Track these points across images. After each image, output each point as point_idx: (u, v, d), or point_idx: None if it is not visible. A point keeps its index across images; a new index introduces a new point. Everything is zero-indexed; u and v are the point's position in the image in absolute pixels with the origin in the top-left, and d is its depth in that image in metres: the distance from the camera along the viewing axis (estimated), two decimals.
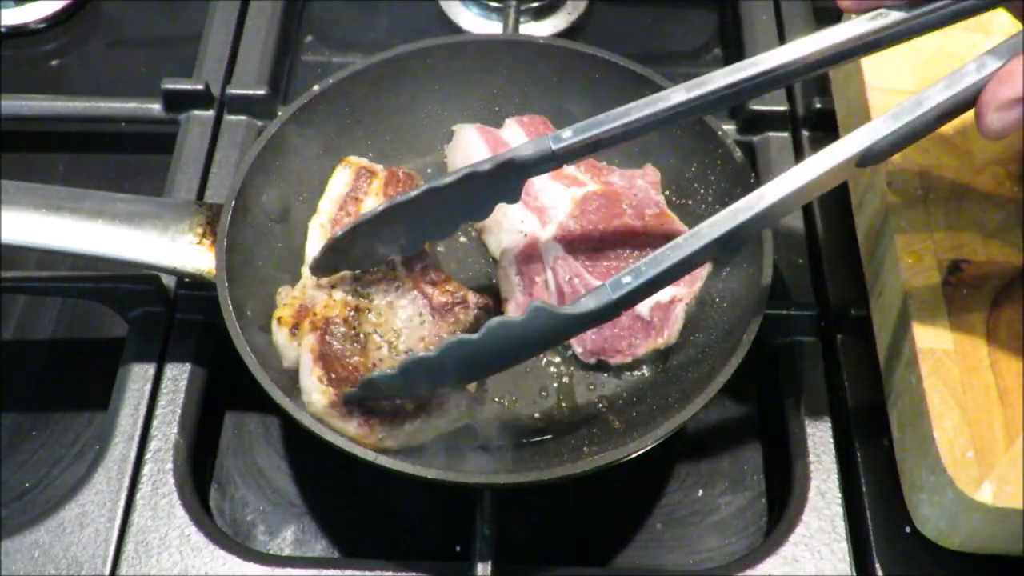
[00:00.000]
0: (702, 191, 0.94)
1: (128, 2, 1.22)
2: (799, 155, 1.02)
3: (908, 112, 0.69)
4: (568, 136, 0.77)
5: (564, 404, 0.86)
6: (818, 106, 1.03)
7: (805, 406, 0.86)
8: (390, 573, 0.77)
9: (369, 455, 0.73)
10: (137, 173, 1.06)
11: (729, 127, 1.04)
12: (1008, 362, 0.75)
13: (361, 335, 0.80)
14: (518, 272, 0.90)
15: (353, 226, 0.80)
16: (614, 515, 0.86)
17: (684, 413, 0.75)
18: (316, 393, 0.77)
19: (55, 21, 1.18)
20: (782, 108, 1.04)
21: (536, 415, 0.86)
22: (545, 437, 0.84)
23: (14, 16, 1.17)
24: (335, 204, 0.89)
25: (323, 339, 0.79)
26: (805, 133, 1.04)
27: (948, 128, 0.88)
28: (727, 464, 0.89)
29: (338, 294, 0.83)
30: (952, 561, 0.76)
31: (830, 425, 0.85)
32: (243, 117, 1.04)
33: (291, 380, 0.80)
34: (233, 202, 0.84)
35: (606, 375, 0.88)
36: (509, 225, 0.92)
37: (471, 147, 0.95)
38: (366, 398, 0.76)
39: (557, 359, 0.89)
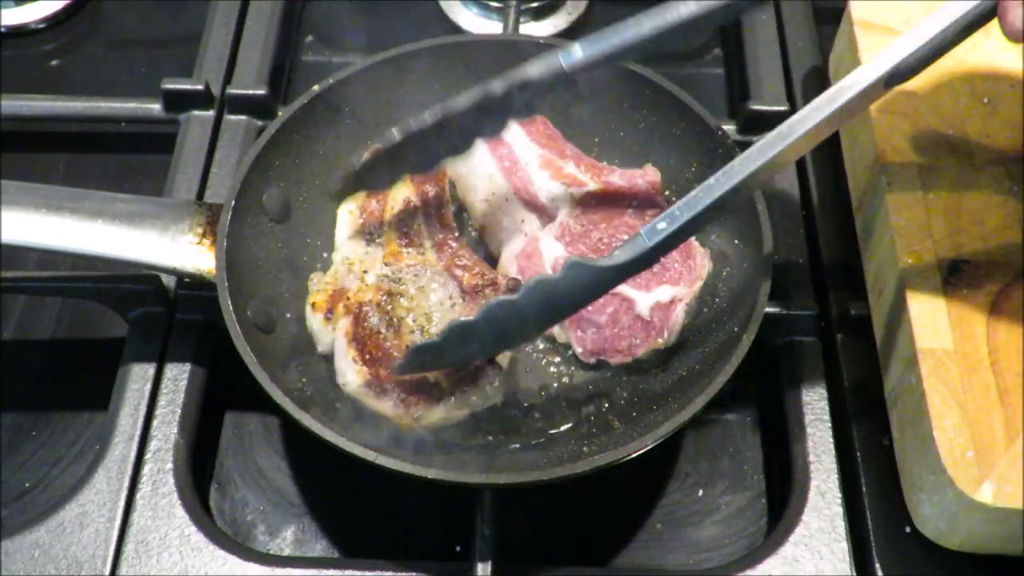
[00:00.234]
0: None
1: (128, 2, 1.22)
2: None
3: (936, 25, 0.68)
4: (577, 52, 0.76)
5: (564, 404, 0.86)
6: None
7: (805, 406, 0.86)
8: (390, 573, 0.77)
9: (369, 455, 0.73)
10: (137, 173, 1.06)
11: (729, 127, 1.04)
12: (1008, 362, 0.75)
13: (394, 319, 0.81)
14: (519, 271, 0.90)
15: (372, 154, 0.81)
16: (614, 515, 0.86)
17: (684, 413, 0.75)
18: (351, 373, 0.78)
19: (55, 21, 1.18)
20: (782, 108, 1.04)
21: (536, 415, 0.86)
22: (545, 437, 0.84)
23: (14, 16, 1.17)
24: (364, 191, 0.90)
25: (357, 322, 0.80)
26: None
27: (948, 128, 0.88)
28: (727, 464, 0.89)
29: (370, 279, 0.83)
30: (952, 561, 0.77)
31: (830, 425, 0.85)
32: (243, 117, 1.04)
33: (291, 379, 0.81)
34: (233, 202, 0.84)
35: (606, 375, 0.88)
36: (510, 224, 0.92)
37: (471, 147, 0.95)
38: (412, 368, 0.76)
39: (557, 359, 0.89)
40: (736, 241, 0.89)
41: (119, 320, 0.91)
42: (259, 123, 1.04)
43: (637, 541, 0.85)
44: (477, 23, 1.18)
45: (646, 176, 0.94)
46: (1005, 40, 0.67)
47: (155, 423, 0.84)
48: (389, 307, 0.81)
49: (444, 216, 0.89)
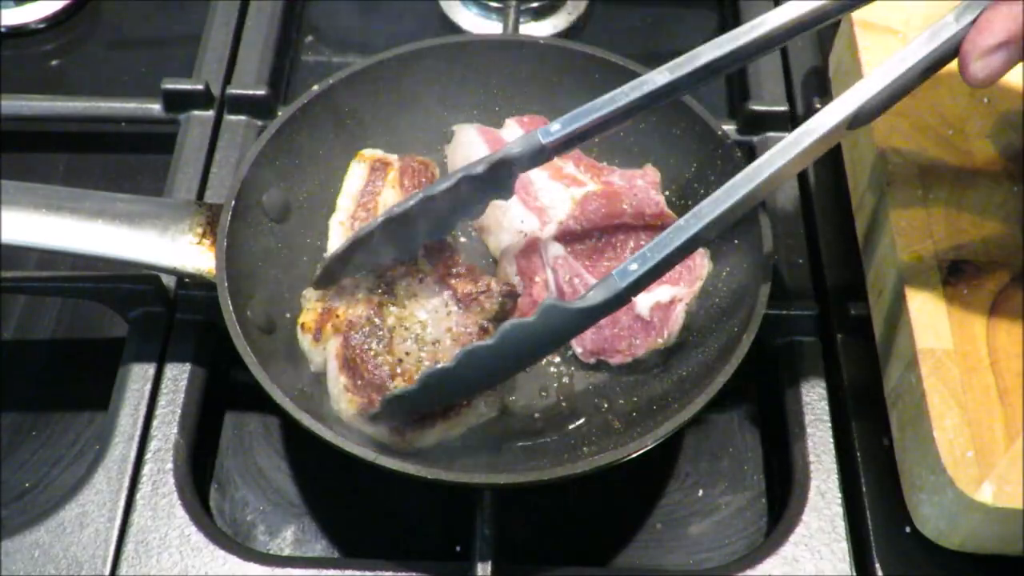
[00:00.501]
0: (702, 191, 0.94)
1: (128, 2, 1.22)
2: None
3: (895, 69, 0.71)
4: (557, 129, 0.78)
5: (564, 404, 0.86)
6: (818, 106, 1.03)
7: (805, 406, 0.86)
8: (390, 573, 0.77)
9: (369, 455, 0.73)
10: (137, 173, 1.06)
11: (729, 127, 1.04)
12: (1008, 362, 0.75)
13: (385, 330, 0.80)
14: (518, 272, 0.90)
15: (351, 241, 0.81)
16: (614, 515, 0.86)
17: (684, 413, 0.75)
18: (344, 402, 0.78)
19: (55, 21, 1.18)
20: (782, 108, 1.04)
21: (536, 415, 0.86)
22: (545, 437, 0.84)
23: (14, 16, 1.17)
24: (353, 200, 0.89)
25: (346, 343, 0.79)
26: None
27: (948, 128, 0.88)
28: (727, 464, 0.89)
29: (361, 293, 0.83)
30: (952, 561, 0.76)
31: (830, 425, 0.85)
32: (243, 117, 1.04)
33: (291, 379, 0.81)
34: (233, 202, 0.84)
35: (606, 375, 0.88)
36: (509, 225, 0.92)
37: (471, 147, 0.95)
38: (389, 416, 0.77)
39: (557, 359, 0.89)
40: (736, 241, 0.89)
41: (119, 320, 0.91)
42: (259, 123, 1.04)
43: (637, 541, 0.85)
44: (477, 23, 1.18)
45: (646, 176, 0.94)
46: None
47: (155, 423, 0.84)
48: (380, 319, 0.81)
49: None
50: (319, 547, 0.84)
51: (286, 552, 0.83)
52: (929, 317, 0.77)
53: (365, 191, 0.90)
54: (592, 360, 0.88)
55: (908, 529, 0.78)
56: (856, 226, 0.91)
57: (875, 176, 0.87)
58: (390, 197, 0.89)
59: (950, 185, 0.85)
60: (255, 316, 0.82)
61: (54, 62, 1.17)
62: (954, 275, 0.79)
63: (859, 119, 0.72)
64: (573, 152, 0.95)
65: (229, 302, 0.79)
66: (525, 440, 0.84)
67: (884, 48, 0.93)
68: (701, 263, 0.88)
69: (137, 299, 0.90)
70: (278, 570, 0.77)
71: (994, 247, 0.81)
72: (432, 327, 0.81)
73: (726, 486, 0.88)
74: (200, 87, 1.03)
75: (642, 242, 0.89)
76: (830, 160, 0.99)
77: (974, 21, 0.68)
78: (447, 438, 0.80)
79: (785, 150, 0.73)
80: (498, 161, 0.78)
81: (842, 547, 0.79)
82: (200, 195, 0.97)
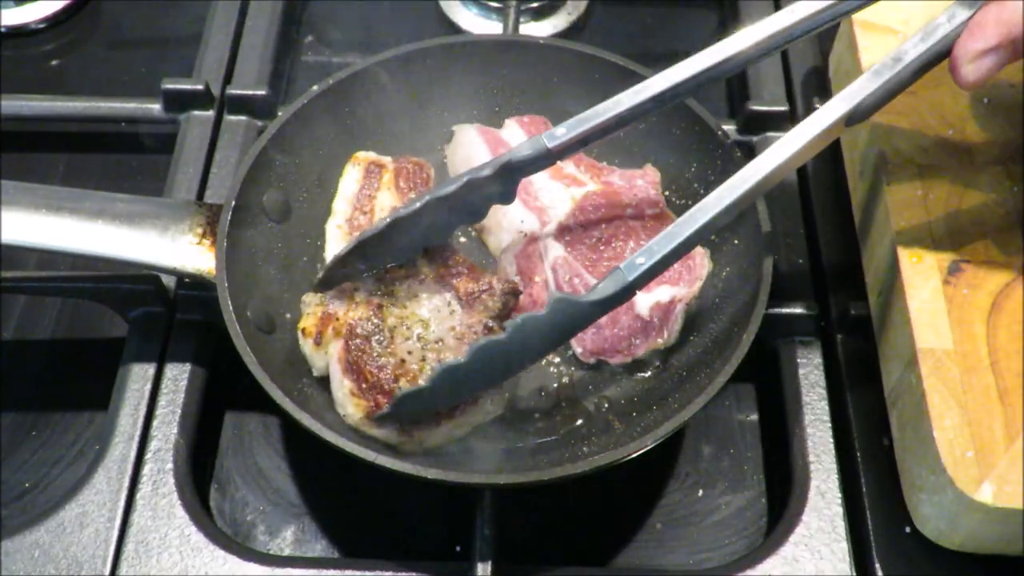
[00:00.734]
0: (702, 191, 0.93)
1: (128, 2, 1.22)
2: None
3: (889, 68, 0.73)
4: (562, 132, 0.79)
5: (564, 404, 0.86)
6: (818, 106, 1.02)
7: (805, 406, 0.86)
8: (390, 573, 0.77)
9: (369, 455, 0.73)
10: (137, 173, 1.06)
11: (729, 127, 1.04)
12: (1008, 362, 0.75)
13: (386, 331, 0.80)
14: (518, 272, 0.90)
15: (355, 243, 0.81)
16: (614, 515, 0.86)
17: (684, 413, 0.75)
18: (350, 407, 0.78)
19: (55, 21, 1.18)
20: (782, 108, 1.04)
21: (536, 415, 0.86)
22: (545, 437, 0.84)
23: (14, 16, 1.17)
24: (350, 204, 0.89)
25: (348, 346, 0.79)
26: None
27: (948, 128, 0.88)
28: (727, 464, 0.89)
29: (360, 295, 0.83)
30: (952, 561, 0.76)
31: (830, 425, 0.85)
32: (243, 117, 1.04)
33: (291, 379, 0.81)
34: (233, 202, 0.84)
35: (606, 375, 0.88)
36: (509, 225, 0.92)
37: (471, 147, 0.95)
38: (400, 416, 0.77)
39: (557, 359, 0.89)
40: (736, 241, 0.89)
41: (119, 320, 0.91)
42: (259, 123, 1.04)
43: (637, 541, 0.85)
44: (477, 23, 1.18)
45: (646, 176, 0.94)
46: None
47: (155, 423, 0.84)
48: (380, 321, 0.81)
49: None
50: (319, 547, 0.84)
51: (286, 552, 0.83)
52: (929, 317, 0.77)
53: (361, 194, 0.89)
54: (592, 360, 0.88)
55: (908, 529, 0.78)
56: (856, 226, 0.91)
57: (875, 176, 0.87)
58: (386, 200, 0.89)
59: (950, 185, 0.85)
60: (255, 316, 0.82)
61: (54, 62, 1.17)
62: (954, 275, 0.79)
63: (856, 116, 0.74)
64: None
65: (229, 302, 0.79)
66: (525, 440, 0.84)
67: (884, 48, 0.92)
68: (701, 263, 0.88)
69: (137, 299, 0.90)
70: (278, 570, 0.77)
71: (994, 247, 0.81)
72: (435, 327, 0.81)
73: (726, 486, 0.88)
74: (200, 87, 1.03)
75: (642, 242, 0.89)
76: (830, 160, 1.00)
77: (967, 21, 0.70)
78: (454, 437, 0.80)
79: (787, 145, 0.74)
80: (504, 164, 0.79)
81: (842, 547, 0.79)
82: (200, 195, 0.97)
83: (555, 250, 0.89)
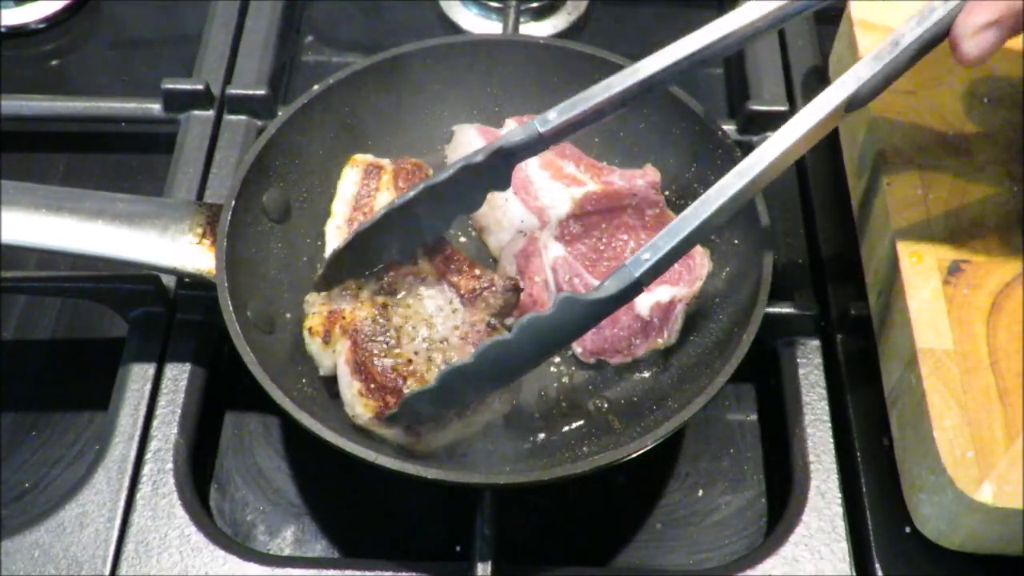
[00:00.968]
0: (702, 191, 0.93)
1: (128, 2, 1.22)
2: None
3: (887, 52, 0.73)
4: (553, 116, 0.79)
5: (564, 404, 0.86)
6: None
7: (805, 406, 0.86)
8: (390, 573, 0.77)
9: (369, 455, 0.73)
10: (137, 173, 1.06)
11: (729, 127, 1.03)
12: (1008, 362, 0.75)
13: (392, 331, 0.80)
14: (518, 272, 0.90)
15: (352, 236, 0.81)
16: (614, 515, 0.86)
17: (684, 413, 0.75)
18: (359, 407, 0.78)
19: (55, 21, 1.18)
20: (782, 108, 1.04)
21: (536, 415, 0.86)
22: (545, 437, 0.84)
23: (14, 16, 1.17)
24: (348, 204, 0.89)
25: (356, 346, 0.79)
26: None
27: (948, 128, 0.88)
28: (727, 464, 0.89)
29: (365, 294, 0.83)
30: (952, 561, 0.76)
31: (830, 425, 0.85)
32: (243, 117, 1.04)
33: (291, 379, 0.81)
34: (233, 202, 0.84)
35: (606, 375, 0.88)
36: (509, 225, 0.92)
37: (471, 147, 0.94)
38: (408, 417, 0.77)
39: (557, 359, 0.89)
40: (736, 241, 0.89)
41: (119, 320, 0.91)
42: (259, 123, 1.04)
43: (637, 541, 0.85)
44: (477, 23, 1.18)
45: (646, 176, 0.94)
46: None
47: (155, 423, 0.84)
48: (385, 321, 0.81)
49: None
50: (319, 547, 0.84)
51: (286, 552, 0.83)
52: (929, 317, 0.77)
53: (360, 195, 0.89)
54: (592, 360, 0.88)
55: (908, 529, 0.78)
56: (856, 226, 0.91)
57: (875, 176, 0.87)
58: (385, 200, 0.89)
59: (950, 185, 0.85)
60: (255, 316, 0.82)
61: (54, 62, 1.17)
62: (954, 275, 0.79)
63: (856, 102, 0.74)
64: (573, 152, 0.95)
65: (229, 302, 0.79)
66: (525, 440, 0.84)
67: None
68: (701, 263, 0.88)
69: (137, 299, 0.90)
70: (278, 570, 0.77)
71: (994, 247, 0.81)
72: (439, 326, 0.81)
73: (726, 486, 0.88)
74: (200, 87, 1.03)
75: (642, 242, 0.89)
76: (830, 160, 1.00)
77: (962, 2, 0.70)
78: (463, 436, 0.80)
79: (788, 133, 0.74)
80: (496, 150, 0.79)
81: (842, 547, 0.79)
82: (200, 195, 0.97)
83: (555, 250, 0.89)
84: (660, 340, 0.86)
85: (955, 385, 0.74)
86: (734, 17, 0.78)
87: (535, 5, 1.19)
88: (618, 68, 0.93)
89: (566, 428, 0.85)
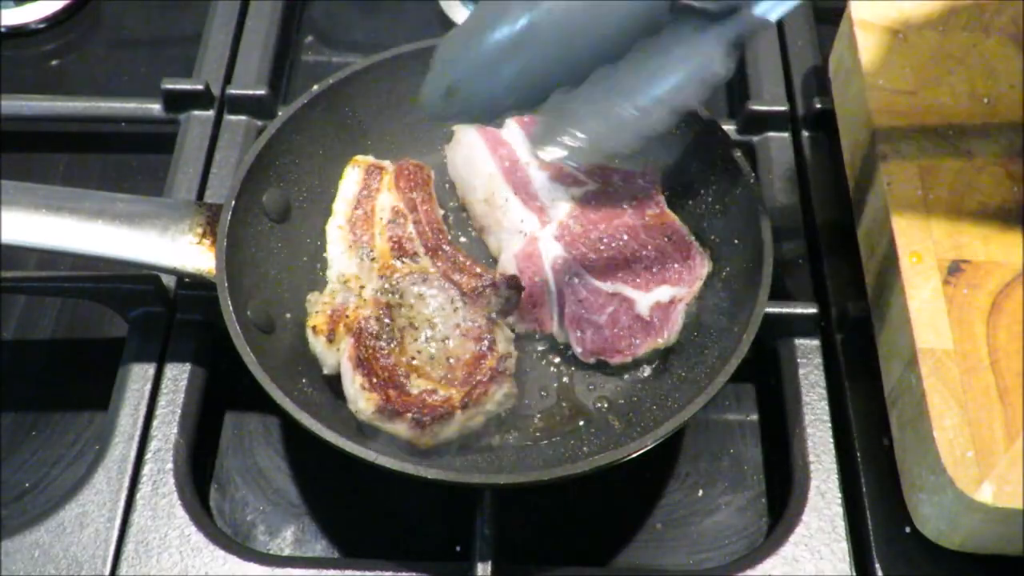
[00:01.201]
0: (702, 191, 0.94)
1: (128, 2, 1.22)
2: (799, 155, 1.02)
3: None
4: None
5: (564, 404, 0.86)
6: (818, 106, 1.03)
7: (805, 406, 0.86)
8: (390, 573, 0.77)
9: (369, 455, 0.73)
10: (137, 173, 1.07)
11: (729, 127, 1.04)
12: (1008, 362, 0.75)
13: (396, 331, 0.80)
14: (518, 271, 0.90)
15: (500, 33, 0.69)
16: (614, 515, 0.86)
17: (684, 413, 0.75)
18: (362, 401, 0.78)
19: (55, 21, 1.18)
20: (782, 108, 1.04)
21: (536, 415, 0.86)
22: (545, 437, 0.84)
23: (14, 16, 1.17)
24: (349, 204, 0.90)
25: (359, 343, 0.79)
26: (805, 133, 1.04)
27: (948, 128, 0.88)
28: (727, 464, 0.89)
29: (368, 293, 0.83)
30: (952, 561, 0.77)
31: (830, 425, 0.85)
32: (243, 117, 1.04)
33: (291, 379, 0.81)
34: (233, 202, 0.84)
35: (606, 375, 0.88)
36: (509, 225, 0.92)
37: (471, 147, 0.95)
38: (451, 76, 0.69)
39: (557, 359, 0.89)
40: (736, 241, 0.89)
41: (119, 320, 0.91)
42: (259, 123, 1.04)
43: (637, 541, 0.85)
44: None
45: (646, 176, 0.94)
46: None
47: (155, 423, 0.84)
48: (389, 320, 0.81)
49: (435, 220, 0.89)
50: (319, 547, 0.84)
51: (286, 552, 0.83)
52: (929, 317, 0.77)
53: (361, 195, 0.90)
54: (592, 360, 0.88)
55: (908, 529, 0.78)
56: (856, 226, 0.91)
57: (875, 176, 0.87)
58: (386, 200, 0.89)
59: (950, 185, 0.85)
60: (255, 316, 0.82)
61: (54, 62, 1.17)
62: (954, 275, 0.79)
63: None
64: None
65: (229, 302, 0.79)
66: (525, 440, 0.84)
67: (884, 48, 0.93)
68: (701, 263, 0.88)
69: (137, 299, 0.90)
70: (278, 570, 0.77)
71: (994, 247, 0.81)
72: (441, 325, 0.82)
73: (726, 486, 0.88)
74: (200, 87, 1.03)
75: (642, 242, 0.89)
76: (830, 160, 1.00)
77: None
78: (468, 429, 0.80)
79: None
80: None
81: (842, 547, 0.79)
82: (200, 195, 0.97)
83: (555, 250, 0.89)
84: (660, 340, 0.86)
85: (955, 385, 0.74)
86: None
87: None
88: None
89: (566, 428, 0.85)
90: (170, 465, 0.82)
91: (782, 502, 0.84)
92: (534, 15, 0.66)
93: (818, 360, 0.89)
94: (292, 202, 0.91)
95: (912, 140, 0.87)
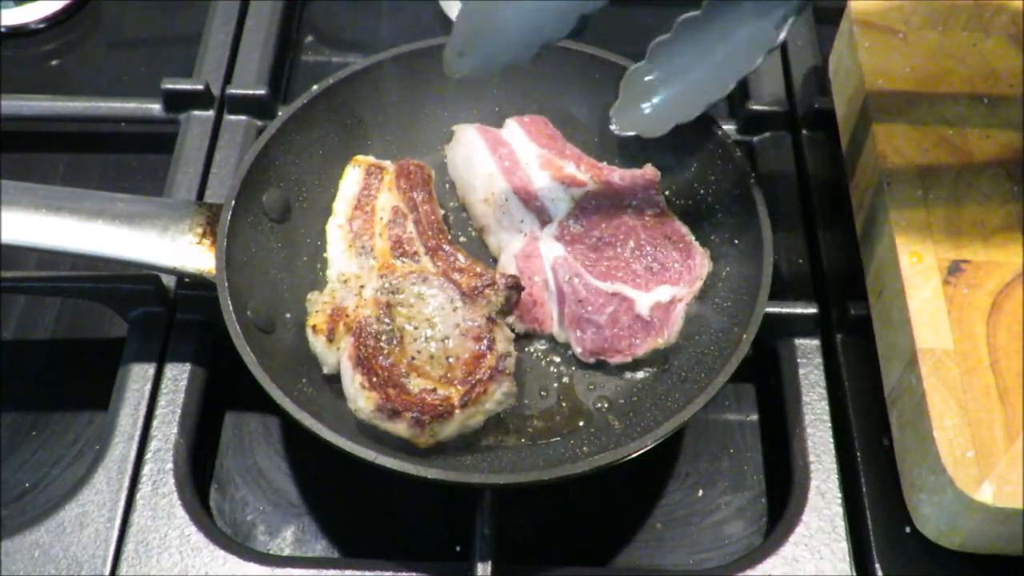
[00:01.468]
0: (702, 191, 0.94)
1: (128, 2, 1.22)
2: (799, 155, 1.02)
3: None
4: None
5: (564, 404, 0.86)
6: (818, 106, 1.03)
7: (805, 406, 0.86)
8: (390, 573, 0.77)
9: (369, 455, 0.73)
10: (137, 173, 1.07)
11: (729, 127, 1.04)
12: (1008, 362, 0.75)
13: (396, 330, 0.81)
14: (518, 271, 0.90)
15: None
16: (614, 515, 0.86)
17: (684, 413, 0.75)
18: (361, 400, 0.78)
19: (55, 21, 1.18)
20: (782, 108, 1.04)
21: (536, 415, 0.86)
22: (545, 437, 0.84)
23: (14, 16, 1.17)
24: (350, 204, 0.90)
25: (359, 342, 0.80)
26: (805, 133, 1.04)
27: (948, 128, 0.88)
28: (727, 464, 0.89)
29: (368, 292, 0.83)
30: (952, 561, 0.77)
31: (830, 425, 0.85)
32: (243, 117, 1.04)
33: (291, 379, 0.81)
34: (233, 202, 0.84)
35: (606, 375, 0.88)
36: (509, 225, 0.92)
37: (471, 147, 0.95)
38: (469, 38, 0.72)
39: (557, 359, 0.89)
40: (736, 241, 0.89)
41: (119, 320, 0.91)
42: (259, 123, 1.04)
43: (637, 541, 0.85)
44: None
45: (646, 176, 0.94)
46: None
47: (155, 423, 0.84)
48: (389, 320, 0.81)
49: (435, 220, 0.89)
50: (319, 547, 0.84)
51: (286, 552, 0.83)
52: (929, 317, 0.77)
53: (361, 195, 0.90)
54: (592, 360, 0.88)
55: (908, 529, 0.78)
56: (856, 226, 0.91)
57: (875, 176, 0.87)
58: (387, 200, 0.89)
59: (950, 185, 0.85)
60: (255, 316, 0.82)
61: (54, 62, 1.17)
62: (954, 275, 0.79)
63: None
64: (573, 152, 0.95)
65: (229, 302, 0.79)
66: (525, 440, 0.84)
67: (884, 48, 0.93)
68: (701, 263, 0.88)
69: (137, 299, 0.90)
70: (278, 570, 0.77)
71: (994, 247, 0.81)
72: (441, 324, 0.82)
73: (726, 486, 0.88)
74: (200, 87, 1.03)
75: (643, 242, 0.89)
76: (830, 160, 1.00)
77: None
78: (467, 428, 0.80)
79: None
80: None
81: (842, 547, 0.79)
82: (200, 195, 0.97)
83: (555, 250, 0.89)
84: (660, 340, 0.86)
85: (955, 385, 0.74)
86: None
87: None
88: (618, 68, 0.94)
89: (566, 428, 0.85)
90: (170, 465, 0.82)
91: (782, 502, 0.84)
92: None
93: (818, 360, 0.89)
94: (292, 202, 0.91)
95: (912, 140, 0.87)
